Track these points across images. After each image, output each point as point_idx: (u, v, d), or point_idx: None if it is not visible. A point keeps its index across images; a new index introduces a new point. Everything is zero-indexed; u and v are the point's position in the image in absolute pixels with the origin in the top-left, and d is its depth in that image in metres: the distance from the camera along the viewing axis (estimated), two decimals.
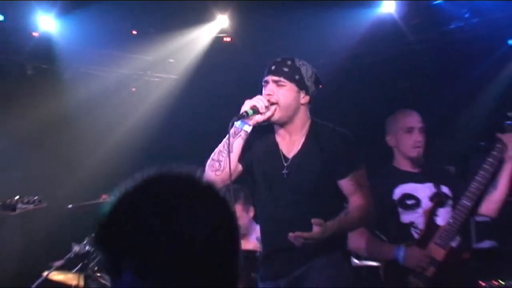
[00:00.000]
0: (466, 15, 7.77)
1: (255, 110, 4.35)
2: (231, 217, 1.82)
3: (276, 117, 4.44)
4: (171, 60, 9.04)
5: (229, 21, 8.22)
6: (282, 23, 7.98)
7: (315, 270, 4.40)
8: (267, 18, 7.95)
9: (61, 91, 8.81)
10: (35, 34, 8.36)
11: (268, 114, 4.40)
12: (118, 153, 8.48)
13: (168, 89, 9.01)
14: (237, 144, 4.46)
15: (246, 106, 4.36)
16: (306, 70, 4.50)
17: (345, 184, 4.44)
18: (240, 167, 4.59)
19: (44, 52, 8.50)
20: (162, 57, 8.93)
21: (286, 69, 4.45)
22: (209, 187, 1.82)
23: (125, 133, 8.73)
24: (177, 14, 8.06)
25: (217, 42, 8.64)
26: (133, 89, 9.46)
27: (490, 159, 4.99)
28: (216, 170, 4.47)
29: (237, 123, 4.43)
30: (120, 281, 1.73)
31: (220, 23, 8.31)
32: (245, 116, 4.35)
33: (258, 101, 4.37)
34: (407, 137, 5.23)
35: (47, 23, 8.14)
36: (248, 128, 4.45)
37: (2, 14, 7.99)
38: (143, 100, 9.20)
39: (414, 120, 5.27)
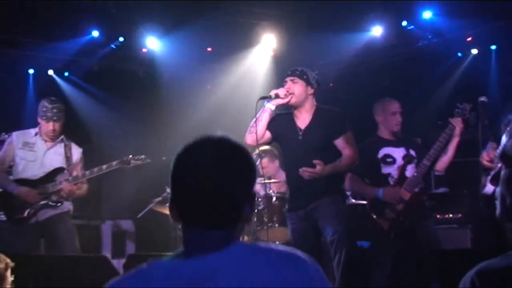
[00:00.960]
0: (429, 36, 7.67)
1: (277, 96, 4.53)
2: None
3: (293, 101, 4.58)
4: (233, 68, 8.96)
5: (275, 40, 8.10)
6: (307, 43, 7.91)
7: (322, 205, 4.46)
8: (298, 38, 7.87)
9: (161, 87, 8.79)
10: (144, 50, 8.35)
11: (286, 99, 4.54)
12: (198, 126, 8.45)
13: (230, 87, 8.92)
14: (264, 116, 4.60)
15: (272, 92, 4.56)
16: (310, 74, 4.66)
17: (339, 142, 4.54)
18: (268, 134, 4.70)
19: (150, 61, 8.48)
20: (227, 65, 8.84)
21: (298, 72, 4.63)
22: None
23: (202, 114, 8.69)
24: (238, 35, 7.94)
25: (266, 55, 8.53)
26: (208, 87, 9.41)
27: (443, 135, 4.96)
28: (251, 133, 4.61)
29: (266, 103, 4.59)
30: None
31: (268, 42, 8.15)
32: (269, 98, 4.55)
33: (280, 90, 4.56)
34: (392, 118, 5.13)
35: (152, 42, 8.11)
36: (272, 107, 4.61)
37: (122, 37, 8.00)
38: (215, 94, 9.15)
39: (397, 106, 5.18)
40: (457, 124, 4.93)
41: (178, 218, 1.65)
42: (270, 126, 4.67)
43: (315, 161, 4.33)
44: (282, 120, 4.72)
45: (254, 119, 4.59)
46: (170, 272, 1.57)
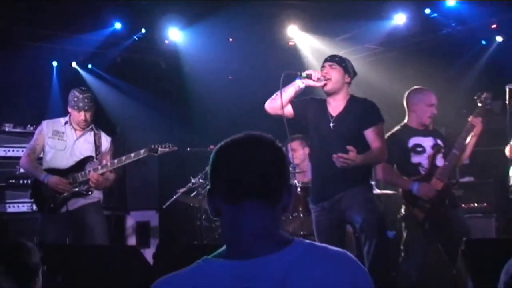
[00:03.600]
0: (453, 24, 7.56)
1: (309, 76, 4.40)
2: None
3: (329, 87, 4.46)
4: (255, 58, 8.93)
5: (298, 29, 8.05)
6: (330, 32, 7.88)
7: (349, 196, 4.35)
8: (320, 27, 7.84)
9: (182, 77, 8.81)
10: (166, 41, 8.36)
11: (318, 84, 4.43)
12: (220, 117, 8.47)
13: (251, 77, 8.91)
14: (290, 90, 4.49)
15: (305, 72, 4.44)
16: (348, 63, 4.54)
17: (369, 133, 4.40)
18: (290, 109, 4.55)
19: (172, 53, 8.48)
20: (248, 56, 8.81)
21: (337, 59, 4.51)
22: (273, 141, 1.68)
23: (224, 105, 8.70)
24: (259, 25, 7.84)
25: (285, 45, 8.51)
26: (230, 77, 9.41)
27: (464, 132, 4.93)
28: (272, 100, 4.51)
29: (297, 79, 4.47)
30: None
31: (290, 32, 8.11)
32: (298, 75, 4.43)
33: (314, 72, 4.43)
34: (427, 109, 5.04)
35: (174, 34, 8.10)
36: (301, 85, 4.47)
37: (145, 28, 8.01)
38: (237, 84, 9.15)
39: (434, 99, 5.09)
40: (477, 124, 4.89)
41: (217, 210, 1.64)
42: (298, 105, 4.56)
43: (348, 147, 4.13)
44: (314, 105, 4.57)
45: (279, 91, 4.43)
46: (236, 273, 1.53)
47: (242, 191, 1.58)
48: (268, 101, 4.53)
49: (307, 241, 1.62)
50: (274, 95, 4.49)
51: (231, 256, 1.57)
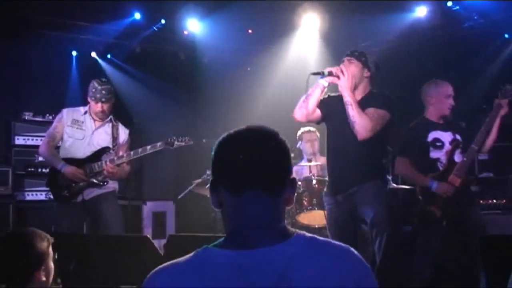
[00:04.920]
0: (475, 17, 7.44)
1: (330, 73, 4.29)
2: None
3: (344, 82, 4.30)
4: (274, 50, 8.87)
5: (316, 20, 7.96)
6: (349, 23, 7.78)
7: (362, 190, 4.28)
8: (340, 19, 7.73)
9: (201, 69, 8.79)
10: (185, 32, 8.35)
11: (340, 80, 4.29)
12: (238, 108, 8.43)
13: (270, 69, 8.87)
14: (316, 92, 4.38)
15: (325, 70, 4.32)
16: (369, 57, 4.42)
17: (368, 111, 4.26)
18: (318, 112, 4.47)
19: (191, 44, 8.47)
20: (267, 47, 8.76)
21: (356, 54, 4.39)
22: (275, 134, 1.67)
23: (242, 96, 8.67)
24: (278, 16, 7.78)
25: (304, 37, 8.41)
26: (248, 69, 9.37)
27: (489, 118, 4.77)
28: (301, 107, 4.39)
29: (319, 79, 4.37)
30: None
31: (309, 22, 8.03)
32: (321, 74, 4.32)
33: (334, 68, 4.32)
34: (446, 101, 4.95)
35: (193, 24, 8.10)
36: (325, 83, 4.37)
37: (164, 19, 8.01)
38: (255, 75, 9.11)
39: (451, 90, 5.01)
40: (504, 105, 4.74)
41: (219, 202, 1.64)
42: (321, 105, 4.45)
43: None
44: (333, 100, 4.46)
45: (305, 95, 4.35)
46: (235, 262, 1.52)
47: (244, 181, 1.59)
48: (297, 110, 4.42)
49: (309, 234, 1.60)
50: (301, 101, 4.40)
51: (231, 246, 1.56)
